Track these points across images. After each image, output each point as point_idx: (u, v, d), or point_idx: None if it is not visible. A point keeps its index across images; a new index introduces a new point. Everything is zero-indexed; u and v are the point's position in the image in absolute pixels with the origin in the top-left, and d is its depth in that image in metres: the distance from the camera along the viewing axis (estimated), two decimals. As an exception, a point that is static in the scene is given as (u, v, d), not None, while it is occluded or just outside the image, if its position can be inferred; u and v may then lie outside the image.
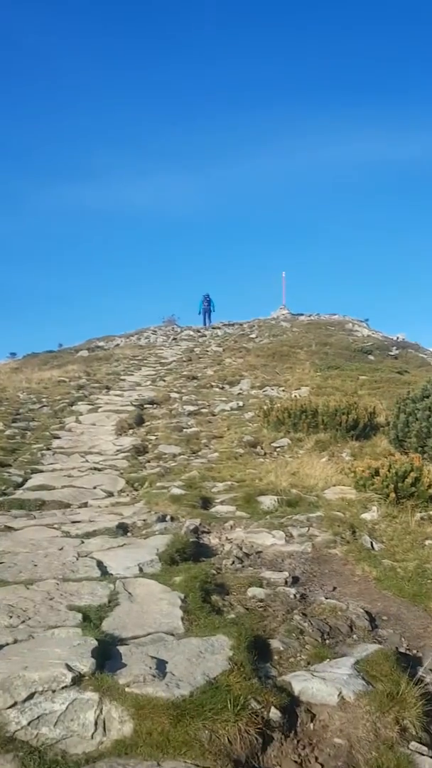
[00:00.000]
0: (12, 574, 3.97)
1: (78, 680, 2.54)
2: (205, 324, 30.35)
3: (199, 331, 28.44)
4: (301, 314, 31.30)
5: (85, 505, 6.27)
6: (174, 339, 26.58)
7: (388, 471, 6.31)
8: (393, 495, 6.04)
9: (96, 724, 2.40)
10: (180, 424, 10.61)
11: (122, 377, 16.68)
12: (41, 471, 7.60)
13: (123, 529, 5.24)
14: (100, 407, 12.34)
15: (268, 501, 6.10)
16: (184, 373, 16.97)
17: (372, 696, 2.67)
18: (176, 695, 2.50)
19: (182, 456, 8.51)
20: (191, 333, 28.09)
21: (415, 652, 3.39)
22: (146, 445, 9.26)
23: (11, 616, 3.25)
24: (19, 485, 6.86)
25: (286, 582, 4.15)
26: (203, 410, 12.00)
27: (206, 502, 6.18)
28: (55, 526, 5.31)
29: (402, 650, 3.36)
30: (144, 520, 5.47)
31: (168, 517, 5.54)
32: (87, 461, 8.26)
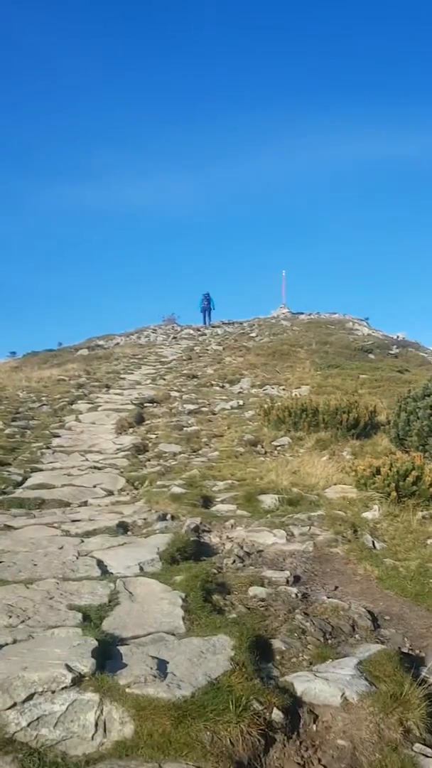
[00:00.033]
0: (11, 574, 3.94)
1: (78, 681, 2.51)
2: (204, 323, 30.30)
3: (199, 330, 28.40)
4: (301, 313, 31.28)
5: (85, 503, 6.24)
6: (174, 338, 26.54)
7: (390, 470, 6.28)
8: (394, 494, 6.01)
9: (96, 725, 2.37)
10: (180, 423, 10.58)
11: (122, 376, 16.65)
12: (41, 470, 7.57)
13: (123, 527, 5.21)
14: (100, 406, 12.30)
15: (268, 500, 6.07)
16: (184, 371, 16.94)
17: (375, 697, 2.64)
18: (177, 696, 2.47)
19: (182, 455, 8.48)
20: (191, 332, 28.05)
21: (418, 652, 3.36)
22: (146, 444, 9.23)
23: (11, 616, 3.22)
24: (18, 484, 6.83)
25: (287, 581, 4.12)
26: (203, 409, 11.97)
27: (207, 501, 6.15)
28: (55, 525, 5.28)
29: (405, 650, 3.33)
30: (144, 519, 5.44)
31: (168, 516, 5.51)
32: (87, 460, 8.23)
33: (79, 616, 3.24)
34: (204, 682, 2.60)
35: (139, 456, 8.51)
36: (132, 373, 17.19)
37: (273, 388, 14.04)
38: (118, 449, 8.85)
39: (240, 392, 13.84)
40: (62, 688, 2.46)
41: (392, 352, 21.48)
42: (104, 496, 6.54)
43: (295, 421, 9.71)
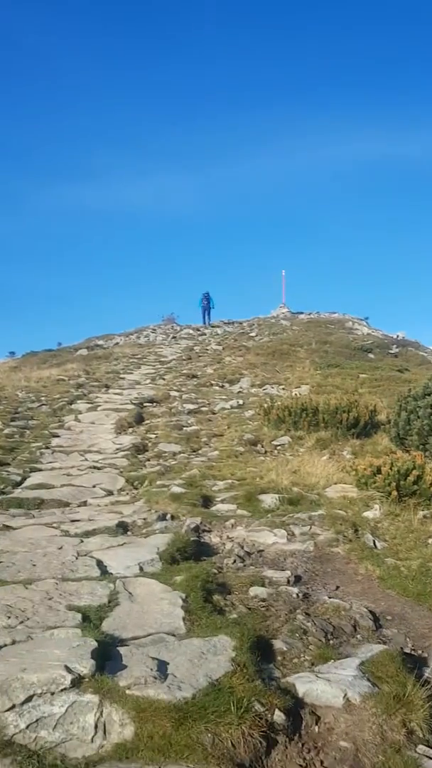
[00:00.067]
0: (10, 574, 3.91)
1: (77, 682, 2.48)
2: (204, 322, 30.27)
3: (198, 330, 28.36)
4: (301, 313, 31.25)
5: (85, 503, 6.21)
6: (173, 337, 26.51)
7: (390, 469, 6.25)
8: (395, 493, 5.99)
9: (96, 727, 2.34)
10: (180, 423, 10.55)
11: (121, 376, 16.62)
12: (40, 470, 7.54)
13: (123, 527, 5.18)
14: (99, 406, 12.27)
15: (269, 499, 6.04)
16: (184, 371, 16.91)
17: (378, 698, 2.61)
18: (178, 697, 2.45)
19: (182, 454, 8.45)
20: (191, 331, 28.02)
21: (420, 652, 3.33)
22: (146, 444, 9.20)
23: (9, 617, 3.19)
24: (17, 484, 6.80)
25: (288, 581, 4.09)
26: (203, 408, 11.94)
27: (207, 501, 6.12)
28: (54, 525, 5.25)
29: (407, 651, 3.31)
30: (144, 519, 5.41)
31: (168, 516, 5.48)
32: (86, 460, 8.20)
33: (79, 616, 3.21)
34: (205, 683, 2.57)
35: (139, 456, 8.49)
36: (131, 373, 17.16)
37: (273, 388, 14.01)
38: (117, 449, 8.82)
39: (240, 392, 13.82)
40: (61, 690, 2.43)
41: (392, 351, 21.46)
42: (104, 496, 6.52)
43: (295, 421, 9.68)
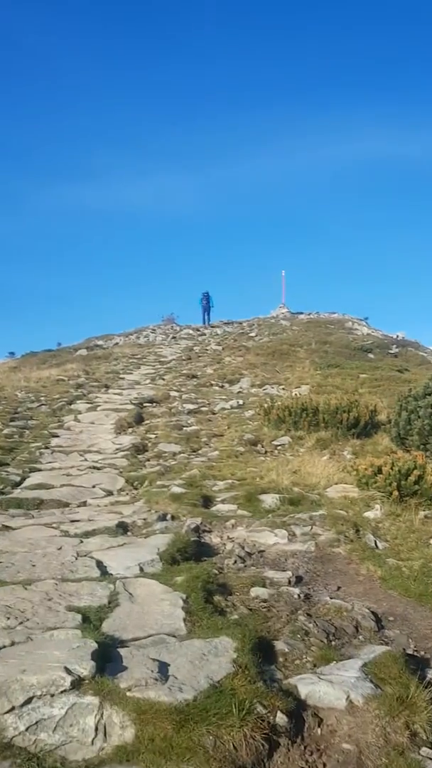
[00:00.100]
0: (10, 575, 3.88)
1: (77, 684, 2.46)
2: (204, 322, 30.25)
3: (198, 330, 28.34)
4: (301, 313, 31.23)
5: (84, 504, 6.18)
6: (173, 338, 26.49)
7: (391, 469, 6.23)
8: (396, 493, 5.96)
9: (96, 729, 2.32)
10: (180, 423, 10.52)
11: (121, 376, 16.59)
12: (40, 470, 7.51)
13: (123, 528, 5.15)
14: (99, 406, 12.24)
15: (269, 499, 6.01)
16: (184, 371, 16.89)
17: (381, 700, 2.59)
18: (179, 699, 2.42)
19: (182, 454, 8.42)
20: (191, 332, 27.99)
21: (423, 653, 3.30)
22: (146, 444, 9.17)
23: (9, 618, 3.16)
24: (17, 484, 6.77)
25: (289, 582, 4.06)
26: (203, 409, 11.91)
27: (207, 501, 6.09)
28: (54, 525, 5.22)
29: (409, 652, 3.28)
30: (144, 519, 5.38)
31: (168, 516, 5.45)
32: (86, 460, 8.17)
33: (79, 617, 3.18)
34: (206, 685, 2.55)
35: (139, 456, 8.46)
36: (131, 373, 17.14)
37: (273, 388, 13.99)
38: (117, 449, 8.79)
39: (240, 392, 13.79)
40: (61, 692, 2.41)
41: (392, 351, 21.44)
42: (103, 497, 6.49)
43: (295, 421, 9.65)
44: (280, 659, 3.00)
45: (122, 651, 2.84)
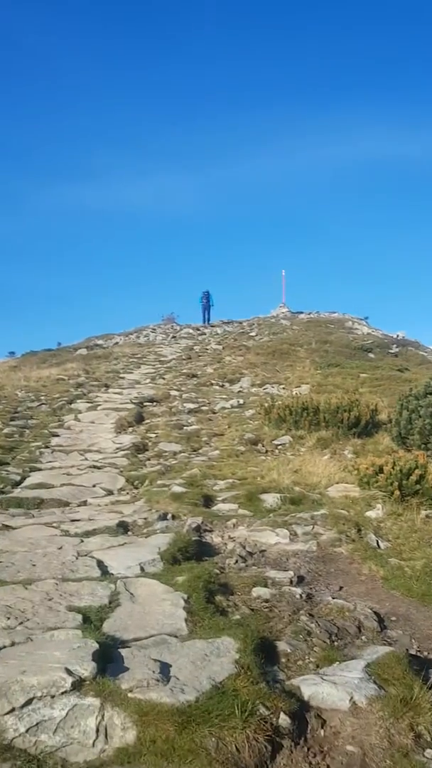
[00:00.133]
0: (10, 574, 3.86)
1: (78, 685, 2.43)
2: (204, 321, 30.22)
3: (198, 329, 28.30)
4: (301, 312, 31.18)
5: (85, 503, 6.16)
6: (173, 337, 26.45)
7: (393, 468, 6.20)
8: (397, 492, 5.93)
9: (97, 731, 2.29)
10: (180, 422, 10.50)
11: (121, 375, 16.56)
12: (40, 469, 7.48)
13: (123, 527, 5.13)
14: (99, 405, 12.22)
15: (270, 499, 5.99)
16: (184, 371, 16.86)
17: (385, 701, 2.56)
18: (181, 701, 2.40)
19: (183, 454, 8.39)
20: (191, 331, 27.96)
21: (426, 654, 3.28)
22: (146, 443, 9.14)
23: (9, 618, 3.14)
24: (17, 483, 6.75)
25: (291, 581, 4.04)
26: (203, 408, 11.89)
27: (208, 500, 6.07)
28: (54, 524, 5.20)
29: (413, 652, 3.25)
30: (145, 519, 5.36)
31: (169, 516, 5.43)
32: (86, 459, 8.15)
33: (79, 617, 3.16)
34: (208, 686, 2.52)
35: (139, 455, 8.43)
36: (131, 373, 17.11)
37: (273, 387, 13.96)
38: (117, 448, 8.76)
39: (240, 391, 13.76)
40: (62, 693, 2.38)
41: (392, 351, 21.40)
42: (104, 496, 6.46)
43: (296, 420, 9.62)
44: (283, 660, 2.98)
45: (123, 651, 2.82)
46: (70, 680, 2.42)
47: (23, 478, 6.96)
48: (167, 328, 30.04)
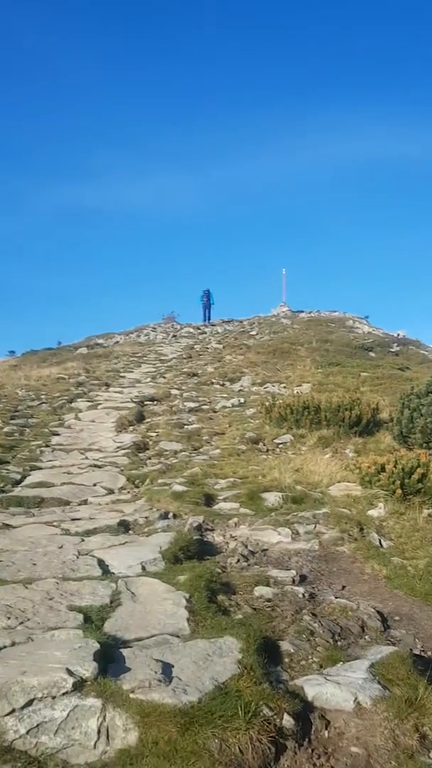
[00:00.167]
0: (10, 573, 3.83)
1: (79, 686, 2.40)
2: (204, 319, 30.19)
3: (199, 329, 28.27)
4: (302, 311, 31.12)
5: (85, 502, 6.13)
6: (174, 336, 26.43)
7: (394, 467, 6.18)
8: (399, 491, 5.91)
9: (99, 732, 2.26)
10: (181, 421, 10.47)
11: (122, 374, 16.53)
12: (40, 468, 7.45)
13: (124, 526, 5.10)
14: (99, 404, 12.19)
15: (272, 498, 5.96)
16: (185, 370, 16.82)
17: (389, 702, 2.53)
18: (184, 701, 2.36)
19: (183, 453, 8.36)
20: (191, 330, 27.93)
21: (430, 654, 3.25)
22: (147, 442, 9.11)
23: (9, 617, 3.11)
24: (17, 482, 6.72)
25: (293, 581, 4.01)
26: (204, 407, 11.86)
27: (209, 499, 6.04)
28: (55, 523, 5.17)
29: (416, 652, 3.22)
30: (146, 518, 5.33)
31: (170, 515, 5.39)
32: (87, 458, 8.12)
33: (80, 617, 3.13)
34: (211, 686, 2.49)
35: (140, 454, 8.40)
36: (132, 372, 17.08)
37: (274, 386, 13.93)
38: (118, 447, 8.73)
39: (241, 390, 13.73)
40: (63, 694, 2.35)
41: (393, 350, 21.35)
42: (104, 495, 6.43)
43: (297, 419, 9.59)
44: (286, 660, 2.95)
45: (125, 651, 2.79)
46: (71, 681, 2.39)
47: (23, 477, 6.93)
48: (168, 327, 30.02)
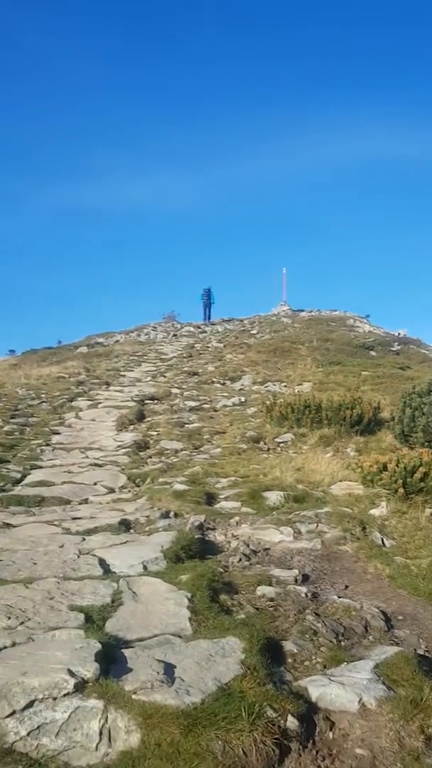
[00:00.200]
0: (10, 573, 3.80)
1: (81, 687, 2.37)
2: (205, 318, 30.17)
3: (199, 327, 28.25)
4: (302, 310, 31.09)
5: (86, 501, 6.10)
6: (174, 335, 26.41)
7: (397, 466, 6.15)
8: (402, 490, 5.88)
9: (101, 734, 2.24)
10: (181, 420, 10.44)
11: (122, 373, 16.51)
12: (40, 467, 7.43)
13: (125, 525, 5.07)
14: (100, 403, 12.16)
15: (273, 497, 5.93)
16: (185, 368, 16.79)
17: (395, 702, 2.50)
18: (186, 703, 2.34)
19: (184, 452, 8.33)
20: (191, 329, 27.91)
21: (434, 654, 3.22)
22: (147, 441, 9.08)
23: (9, 617, 3.08)
24: (17, 481, 6.69)
25: (296, 580, 3.98)
26: (205, 406, 11.83)
27: (210, 498, 6.01)
28: (55, 522, 5.14)
29: (421, 652, 3.19)
30: (147, 517, 5.30)
31: (171, 514, 5.37)
32: (87, 457, 8.09)
33: (81, 617, 3.10)
34: (214, 687, 2.46)
35: (140, 453, 8.37)
36: (132, 371, 17.05)
37: (275, 385, 13.90)
38: (118, 446, 8.70)
39: (241, 389, 13.70)
40: (64, 695, 2.32)
41: (394, 349, 21.31)
42: (105, 494, 6.40)
43: (298, 418, 9.56)
44: (289, 660, 2.92)
45: (127, 652, 2.76)
46: (72, 682, 2.36)
47: (24, 476, 6.90)
48: (168, 326, 30.00)
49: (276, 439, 9.03)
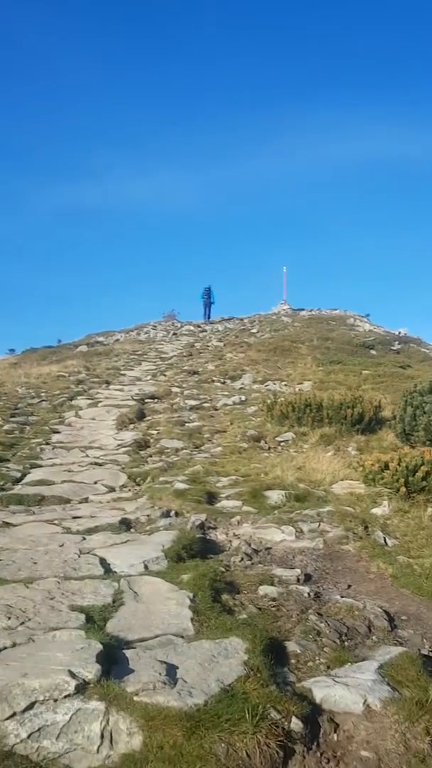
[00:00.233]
0: (10, 572, 3.77)
1: (82, 688, 2.34)
2: (205, 317, 30.12)
3: (199, 326, 28.21)
4: (302, 309, 31.05)
5: (86, 500, 6.07)
6: (174, 334, 26.37)
7: (398, 465, 6.12)
8: (403, 489, 5.85)
9: (102, 736, 2.20)
10: (182, 419, 10.40)
11: (122, 372, 16.47)
12: (40, 466, 7.40)
13: (126, 524, 5.03)
14: (100, 402, 12.13)
15: (275, 496, 5.90)
16: (185, 367, 16.76)
17: (400, 704, 2.47)
18: (189, 704, 2.30)
19: (185, 450, 8.30)
20: (191, 328, 27.87)
21: (438, 654, 3.18)
22: (148, 440, 9.05)
23: (10, 617, 3.05)
24: (17, 480, 6.66)
25: (298, 580, 3.95)
26: (205, 405, 11.79)
27: (211, 497, 5.98)
28: (56, 521, 5.10)
29: (424, 652, 3.16)
30: (147, 516, 5.27)
31: (172, 513, 5.33)
32: (87, 456, 8.05)
33: (82, 617, 3.06)
34: (217, 689, 2.43)
35: (141, 452, 8.34)
36: (132, 370, 17.02)
37: (275, 384, 13.87)
38: (119, 445, 8.67)
39: (242, 388, 13.67)
40: (65, 697, 2.29)
41: (394, 348, 21.27)
42: (105, 493, 6.37)
43: (298, 417, 9.53)
44: (293, 661, 2.88)
45: (128, 652, 2.73)
46: (73, 683, 2.33)
47: (24, 475, 6.87)
48: (168, 325, 29.96)
49: (277, 438, 9.00)
